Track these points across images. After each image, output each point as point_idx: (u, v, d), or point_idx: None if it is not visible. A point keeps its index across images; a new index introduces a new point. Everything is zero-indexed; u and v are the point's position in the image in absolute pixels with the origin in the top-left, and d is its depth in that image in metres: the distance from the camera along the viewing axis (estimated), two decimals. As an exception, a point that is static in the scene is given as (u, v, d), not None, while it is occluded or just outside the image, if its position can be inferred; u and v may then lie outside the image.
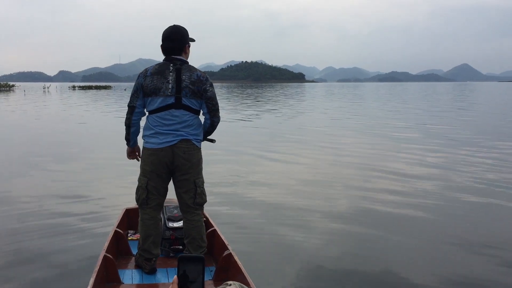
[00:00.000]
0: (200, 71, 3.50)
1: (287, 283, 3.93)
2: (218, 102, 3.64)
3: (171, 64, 3.44)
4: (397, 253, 4.58)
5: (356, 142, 12.51)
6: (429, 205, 6.11)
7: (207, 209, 4.23)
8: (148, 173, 3.49)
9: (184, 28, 3.57)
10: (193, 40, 3.64)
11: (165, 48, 3.51)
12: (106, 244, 3.60)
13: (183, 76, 3.39)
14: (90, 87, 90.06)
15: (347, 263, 4.32)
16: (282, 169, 8.82)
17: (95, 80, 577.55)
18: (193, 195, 3.53)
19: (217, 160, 9.21)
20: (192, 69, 3.47)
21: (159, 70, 3.44)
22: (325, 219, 5.65)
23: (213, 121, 3.59)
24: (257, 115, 22.17)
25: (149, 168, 3.48)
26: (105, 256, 3.35)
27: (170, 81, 3.38)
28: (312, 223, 5.53)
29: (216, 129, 3.71)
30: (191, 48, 3.63)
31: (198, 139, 3.50)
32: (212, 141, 3.80)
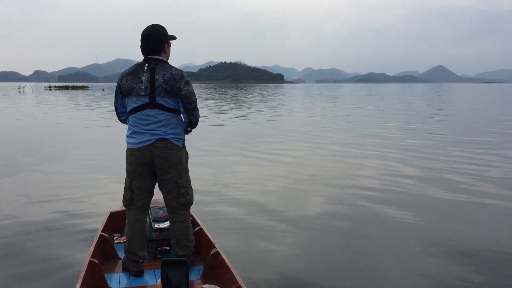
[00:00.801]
0: (176, 69, 3.42)
1: (275, 279, 3.94)
2: (197, 100, 3.56)
3: (146, 64, 3.41)
4: (379, 255, 4.60)
5: (336, 141, 12.59)
6: (405, 206, 6.16)
7: (193, 208, 4.20)
8: (130, 174, 3.49)
9: (162, 27, 3.51)
10: (173, 38, 3.59)
11: (143, 48, 3.47)
12: (92, 248, 3.53)
13: (157, 76, 3.34)
14: (66, 87, 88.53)
15: (331, 260, 4.36)
16: (266, 168, 8.83)
17: (71, 80, 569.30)
18: (176, 195, 3.48)
19: (201, 160, 9.22)
20: (167, 67, 3.39)
21: (134, 70, 3.43)
22: (310, 216, 5.73)
23: (190, 120, 3.48)
24: (239, 116, 22.16)
25: (130, 168, 3.47)
26: (90, 261, 3.28)
27: (143, 81, 3.34)
28: (298, 220, 5.57)
29: (198, 127, 3.64)
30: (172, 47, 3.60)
31: (178, 138, 3.43)
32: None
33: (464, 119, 20.55)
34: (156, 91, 3.32)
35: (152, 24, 3.50)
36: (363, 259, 4.41)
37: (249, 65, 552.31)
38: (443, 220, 5.58)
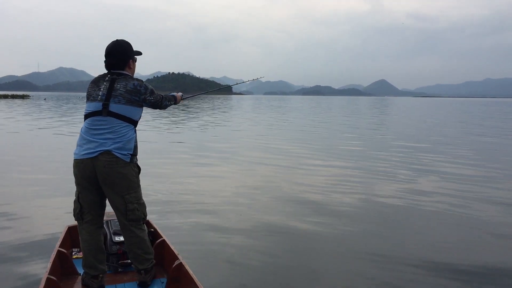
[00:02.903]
0: (138, 79, 3.44)
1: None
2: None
3: (109, 75, 3.44)
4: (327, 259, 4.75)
5: (286, 153, 12.79)
6: (348, 214, 6.39)
7: (155, 220, 4.14)
8: (77, 186, 3.40)
9: (127, 42, 3.52)
10: (139, 54, 3.61)
11: (106, 63, 3.47)
12: (49, 265, 3.39)
13: (118, 85, 3.34)
14: (5, 96, 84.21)
15: (290, 266, 4.45)
16: (224, 178, 8.86)
17: (11, 89, 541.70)
18: (124, 211, 3.38)
19: (160, 171, 9.17)
20: (128, 78, 3.42)
21: (96, 79, 3.48)
22: (269, 224, 5.86)
23: (162, 109, 3.67)
24: (193, 127, 22.00)
25: (76, 181, 3.38)
26: (48, 278, 3.16)
27: (102, 89, 3.36)
28: (258, 228, 5.69)
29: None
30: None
31: (125, 153, 3.31)
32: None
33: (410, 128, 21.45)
34: (115, 99, 3.31)
35: (117, 40, 3.51)
36: (314, 264, 4.55)
37: (198, 76, 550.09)
38: (382, 228, 5.79)
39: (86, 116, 3.39)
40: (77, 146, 3.37)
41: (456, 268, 4.52)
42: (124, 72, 3.46)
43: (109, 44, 3.47)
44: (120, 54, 3.44)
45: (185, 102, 70.67)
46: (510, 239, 5.46)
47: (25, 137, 16.45)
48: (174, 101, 3.85)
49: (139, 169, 3.49)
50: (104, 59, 3.46)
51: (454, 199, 7.33)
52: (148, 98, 3.45)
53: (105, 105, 3.31)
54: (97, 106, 3.33)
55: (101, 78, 3.46)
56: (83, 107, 45.21)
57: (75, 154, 3.35)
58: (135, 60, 3.58)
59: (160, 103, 3.59)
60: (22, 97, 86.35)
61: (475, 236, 5.56)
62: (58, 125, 21.69)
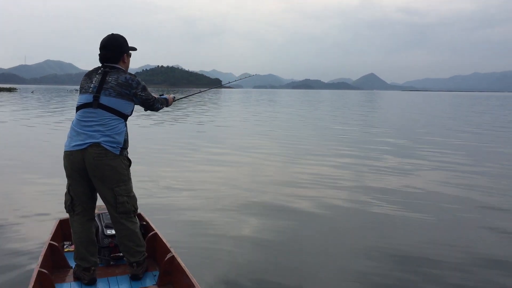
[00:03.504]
0: (130, 74, 3.46)
1: (232, 283, 3.97)
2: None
3: (102, 68, 3.45)
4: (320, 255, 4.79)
5: (276, 147, 12.83)
6: (339, 211, 6.40)
7: (147, 213, 4.14)
8: (67, 178, 3.40)
9: (121, 37, 3.53)
10: (134, 49, 3.62)
11: (100, 56, 3.47)
12: (40, 258, 3.38)
13: (109, 78, 3.35)
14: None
15: (283, 260, 4.47)
16: (216, 171, 8.89)
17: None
18: (114, 204, 3.38)
19: (153, 163, 9.17)
20: (121, 72, 3.42)
21: (89, 72, 3.51)
22: (262, 216, 5.94)
23: (153, 110, 3.76)
24: (190, 120, 21.93)
25: (66, 172, 3.39)
26: (39, 272, 3.14)
27: (93, 81, 3.38)
28: (250, 221, 5.73)
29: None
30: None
31: (114, 145, 3.30)
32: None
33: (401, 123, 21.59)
34: (105, 91, 3.32)
35: (112, 34, 3.52)
36: (308, 259, 4.57)
37: (187, 69, 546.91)
38: (375, 225, 5.80)
39: (78, 108, 3.40)
40: (67, 138, 3.37)
41: (453, 262, 4.59)
42: (117, 66, 3.47)
43: (105, 37, 3.48)
44: (114, 48, 3.45)
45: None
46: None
47: (14, 129, 16.29)
48: (166, 103, 3.93)
49: (129, 162, 3.48)
50: (99, 52, 3.47)
51: (449, 193, 7.42)
52: (139, 93, 3.45)
53: (96, 97, 3.31)
54: (88, 98, 3.34)
55: (94, 71, 3.48)
56: (72, 99, 44.91)
57: (65, 146, 3.35)
58: (129, 55, 3.60)
59: (152, 103, 3.64)
60: (9, 90, 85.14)
61: (472, 230, 5.63)
62: (47, 116, 21.49)
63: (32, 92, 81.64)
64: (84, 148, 3.25)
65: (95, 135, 3.26)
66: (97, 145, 3.25)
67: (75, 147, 3.27)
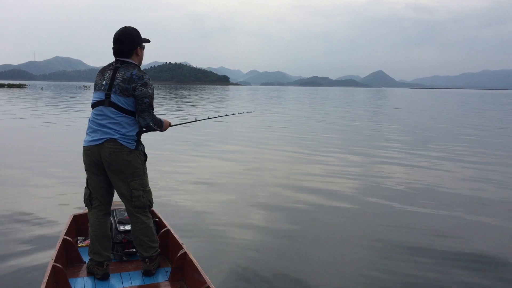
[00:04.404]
0: (139, 70, 3.41)
1: (243, 279, 4.01)
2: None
3: (114, 63, 3.46)
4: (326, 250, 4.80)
5: (284, 144, 12.83)
6: (346, 206, 6.45)
7: (160, 209, 4.17)
8: (86, 172, 3.48)
9: (135, 29, 3.51)
10: (147, 41, 3.60)
11: (114, 50, 3.47)
12: (55, 253, 3.43)
13: (118, 74, 3.37)
14: (2, 85, 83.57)
15: (300, 258, 4.49)
16: (227, 167, 8.94)
17: (7, 78, 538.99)
18: (130, 198, 3.44)
19: (166, 162, 9.27)
20: (129, 68, 3.40)
21: (102, 68, 3.53)
22: (274, 213, 5.96)
23: (139, 121, 3.39)
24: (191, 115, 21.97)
25: (85, 167, 3.47)
26: (53, 266, 3.19)
27: (106, 78, 3.40)
28: (263, 218, 5.77)
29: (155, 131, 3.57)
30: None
31: (129, 140, 3.35)
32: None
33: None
34: (114, 89, 3.34)
35: (125, 26, 3.50)
36: (313, 256, 4.60)
37: (195, 66, 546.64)
38: (380, 220, 5.84)
39: (93, 106, 3.45)
40: (86, 134, 3.44)
41: (455, 255, 4.60)
42: (129, 60, 3.46)
43: (117, 30, 3.48)
44: (128, 41, 3.43)
45: (184, 92, 70.59)
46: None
47: (30, 125, 16.43)
48: (160, 126, 3.56)
49: (145, 156, 3.53)
50: (112, 45, 3.47)
51: (451, 185, 7.40)
52: (137, 87, 3.31)
53: (107, 95, 3.35)
54: (100, 96, 3.39)
55: (106, 67, 3.50)
56: (82, 96, 45.13)
57: (84, 141, 3.43)
58: (143, 48, 3.58)
59: (146, 109, 3.35)
60: (19, 86, 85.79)
61: (476, 223, 5.62)
62: (58, 113, 21.63)
63: (41, 88, 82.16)
64: (100, 143, 3.32)
65: (110, 132, 3.32)
66: (113, 140, 3.31)
67: (92, 142, 3.35)
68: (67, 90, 74.72)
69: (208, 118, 5.02)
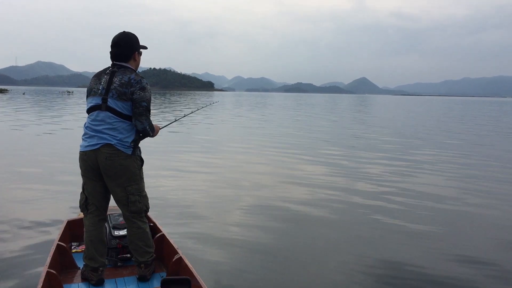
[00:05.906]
0: (136, 75, 3.42)
1: (238, 284, 4.01)
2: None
3: (110, 68, 3.46)
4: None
5: (272, 149, 12.88)
6: (334, 208, 6.55)
7: (154, 214, 4.16)
8: (82, 177, 3.47)
9: (133, 35, 3.52)
10: (144, 48, 3.61)
11: (111, 54, 3.48)
12: (49, 259, 3.41)
13: (115, 79, 3.36)
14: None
15: (296, 264, 4.51)
16: (223, 173, 8.93)
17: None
18: (126, 203, 3.44)
19: (161, 167, 9.25)
20: (127, 72, 3.40)
21: (98, 73, 3.51)
22: (271, 218, 6.00)
23: (136, 125, 3.38)
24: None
25: (81, 172, 3.46)
26: (48, 272, 3.17)
27: (102, 83, 3.38)
28: (258, 222, 5.79)
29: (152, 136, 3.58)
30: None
31: (126, 145, 3.35)
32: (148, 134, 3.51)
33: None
34: (110, 93, 3.33)
35: (124, 31, 3.51)
36: (316, 262, 4.62)
37: (179, 72, 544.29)
38: (368, 231, 5.90)
39: (88, 111, 3.43)
40: (82, 139, 3.43)
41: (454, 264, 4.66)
42: (126, 64, 3.46)
43: (116, 35, 3.49)
44: (126, 45, 3.45)
45: (175, 97, 70.17)
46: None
47: (20, 131, 16.19)
48: (153, 131, 3.56)
49: (142, 161, 3.53)
50: (110, 49, 3.47)
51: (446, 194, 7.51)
52: (136, 91, 3.32)
53: (104, 100, 3.33)
54: (97, 100, 3.37)
55: (103, 71, 3.49)
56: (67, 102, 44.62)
57: (80, 146, 3.42)
58: (140, 53, 3.59)
59: (143, 113, 3.37)
60: (1, 91, 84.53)
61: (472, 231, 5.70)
62: (51, 117, 21.36)
63: (23, 93, 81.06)
64: (97, 148, 3.31)
65: (107, 137, 3.31)
66: (110, 145, 3.31)
67: (88, 148, 3.34)
68: (50, 96, 73.81)
69: (184, 116, 5.17)
